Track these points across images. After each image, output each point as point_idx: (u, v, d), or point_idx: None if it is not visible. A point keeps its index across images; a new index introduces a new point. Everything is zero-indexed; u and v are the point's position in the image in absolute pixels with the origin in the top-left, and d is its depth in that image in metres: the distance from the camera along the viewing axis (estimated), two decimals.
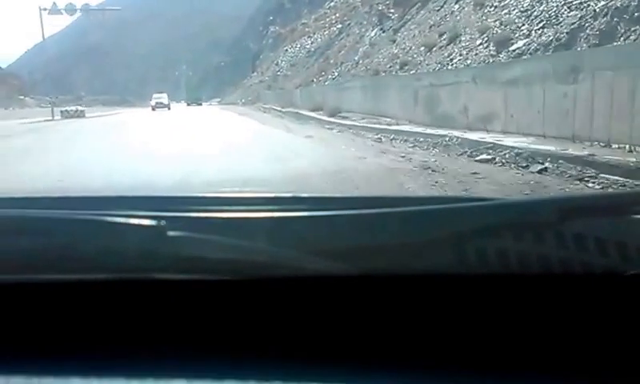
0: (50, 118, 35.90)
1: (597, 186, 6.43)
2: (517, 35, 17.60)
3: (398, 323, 0.89)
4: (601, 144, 8.95)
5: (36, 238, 0.85)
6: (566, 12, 15.91)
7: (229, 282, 0.86)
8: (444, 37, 23.21)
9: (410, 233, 0.85)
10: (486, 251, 0.83)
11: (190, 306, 0.90)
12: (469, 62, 19.06)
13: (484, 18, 21.38)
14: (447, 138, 12.07)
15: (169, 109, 42.28)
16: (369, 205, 0.89)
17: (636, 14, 12.72)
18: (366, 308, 0.89)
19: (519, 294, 0.88)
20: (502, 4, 21.14)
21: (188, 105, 48.44)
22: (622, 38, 12.59)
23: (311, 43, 36.69)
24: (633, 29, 12.52)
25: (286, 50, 39.22)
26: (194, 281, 0.86)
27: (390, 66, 25.95)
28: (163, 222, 0.83)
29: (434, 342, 0.87)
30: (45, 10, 39.59)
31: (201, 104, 46.11)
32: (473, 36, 20.81)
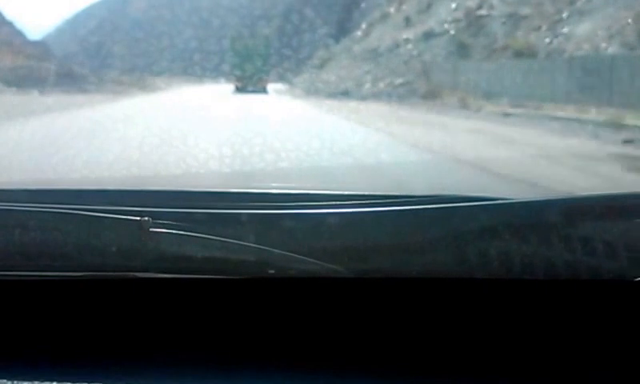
0: None
1: None
2: None
3: (393, 329, 0.84)
4: None
5: (11, 232, 0.81)
6: None
7: (214, 281, 0.82)
8: None
9: (406, 233, 0.81)
10: (488, 254, 0.79)
11: (172, 306, 0.85)
12: None
13: None
14: None
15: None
16: (362, 203, 0.85)
17: None
18: (359, 312, 0.85)
19: (523, 299, 0.84)
20: None
21: (237, 89, 25.92)
22: None
23: None
24: None
25: None
26: (177, 280, 0.82)
27: None
28: (146, 218, 0.79)
29: (430, 351, 0.83)
30: None
31: (266, 90, 27.54)
32: None
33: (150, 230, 0.78)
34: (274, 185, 1.02)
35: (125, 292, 0.85)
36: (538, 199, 0.86)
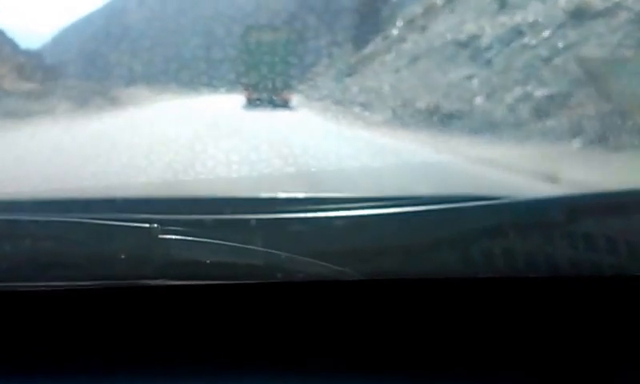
0: None
1: None
2: None
3: (401, 330, 0.85)
4: None
5: (22, 242, 0.81)
6: None
7: (224, 286, 0.83)
8: None
9: (412, 234, 0.82)
10: (492, 253, 0.80)
11: (183, 312, 0.86)
12: None
13: None
14: None
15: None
16: (368, 205, 0.86)
17: None
18: (367, 314, 0.86)
19: (527, 296, 0.85)
20: None
21: (250, 103, 16.92)
22: None
23: None
24: None
25: None
26: (187, 286, 0.83)
27: None
28: (155, 225, 0.79)
29: (438, 350, 0.84)
30: None
31: (288, 105, 18.26)
32: None
33: (159, 237, 0.79)
34: (280, 190, 1.02)
35: (135, 300, 0.85)
36: (541, 197, 0.87)
